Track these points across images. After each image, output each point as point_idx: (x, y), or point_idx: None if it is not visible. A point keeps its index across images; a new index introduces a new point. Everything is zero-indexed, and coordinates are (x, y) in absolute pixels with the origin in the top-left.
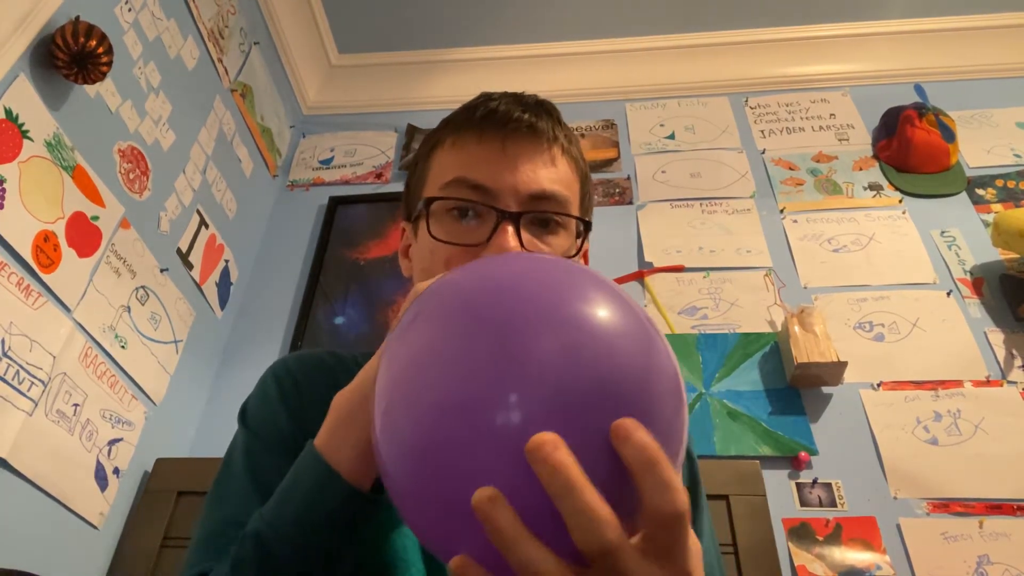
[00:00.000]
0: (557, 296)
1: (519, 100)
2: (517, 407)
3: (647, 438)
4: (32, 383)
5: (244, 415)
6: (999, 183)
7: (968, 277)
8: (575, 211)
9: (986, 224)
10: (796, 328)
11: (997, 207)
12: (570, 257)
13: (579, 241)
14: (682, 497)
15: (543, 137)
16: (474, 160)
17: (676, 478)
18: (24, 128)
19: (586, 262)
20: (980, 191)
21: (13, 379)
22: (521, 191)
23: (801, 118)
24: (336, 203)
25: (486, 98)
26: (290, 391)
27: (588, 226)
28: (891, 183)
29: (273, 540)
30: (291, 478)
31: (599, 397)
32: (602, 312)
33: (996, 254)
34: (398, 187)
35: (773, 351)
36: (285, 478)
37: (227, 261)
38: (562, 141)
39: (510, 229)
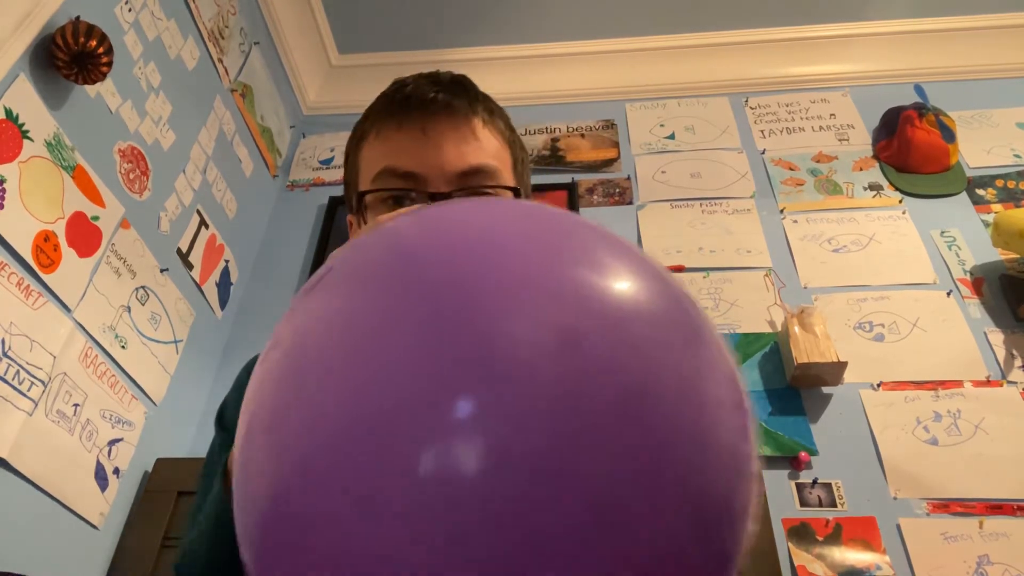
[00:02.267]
0: (546, 253)
1: (433, 80)
2: (469, 439)
3: None
4: (32, 383)
5: (221, 418)
6: (999, 183)
7: (968, 277)
8: (508, 180)
9: (986, 224)
10: (796, 328)
11: (997, 207)
12: None
13: None
14: None
15: (461, 113)
16: (397, 149)
17: None
18: (24, 128)
19: None
20: (980, 191)
21: (13, 379)
22: (448, 171)
23: (801, 118)
24: (336, 203)
25: (400, 84)
26: None
27: (518, 194)
28: (891, 183)
29: (192, 570)
30: (210, 502)
31: (622, 425)
32: (620, 281)
33: (996, 254)
34: None
35: (773, 351)
36: (206, 504)
37: (227, 261)
38: (482, 114)
39: None
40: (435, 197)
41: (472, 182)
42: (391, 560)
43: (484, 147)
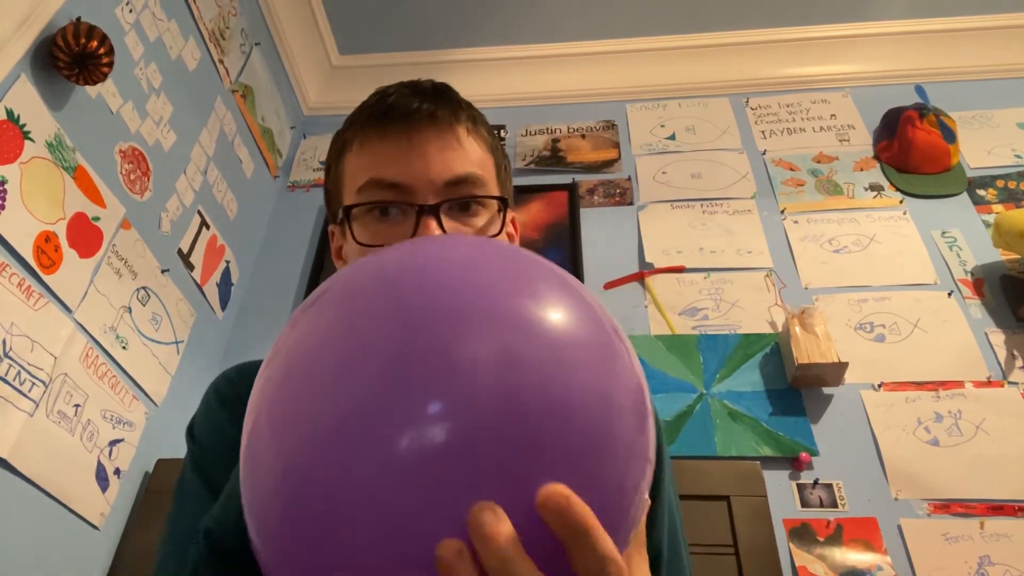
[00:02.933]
0: (497, 287)
1: (415, 89)
2: (430, 429)
3: (576, 510)
4: (33, 384)
5: (191, 432)
6: (1000, 184)
7: (969, 278)
8: (493, 188)
9: (987, 225)
10: (797, 329)
11: (998, 208)
12: (493, 235)
13: (500, 216)
14: (615, 566)
15: (445, 122)
16: (382, 159)
17: (610, 546)
18: (25, 129)
19: (516, 231)
20: (981, 192)
21: (14, 380)
22: (435, 181)
23: (802, 119)
24: None
25: (382, 94)
26: (232, 400)
27: (506, 202)
28: (892, 184)
29: (222, 535)
30: (235, 476)
31: (546, 431)
32: (552, 310)
33: (997, 255)
34: None
35: (774, 352)
36: (231, 478)
37: (228, 262)
38: (466, 123)
39: (432, 223)
40: (422, 210)
41: (459, 192)
42: (368, 526)
43: (469, 155)
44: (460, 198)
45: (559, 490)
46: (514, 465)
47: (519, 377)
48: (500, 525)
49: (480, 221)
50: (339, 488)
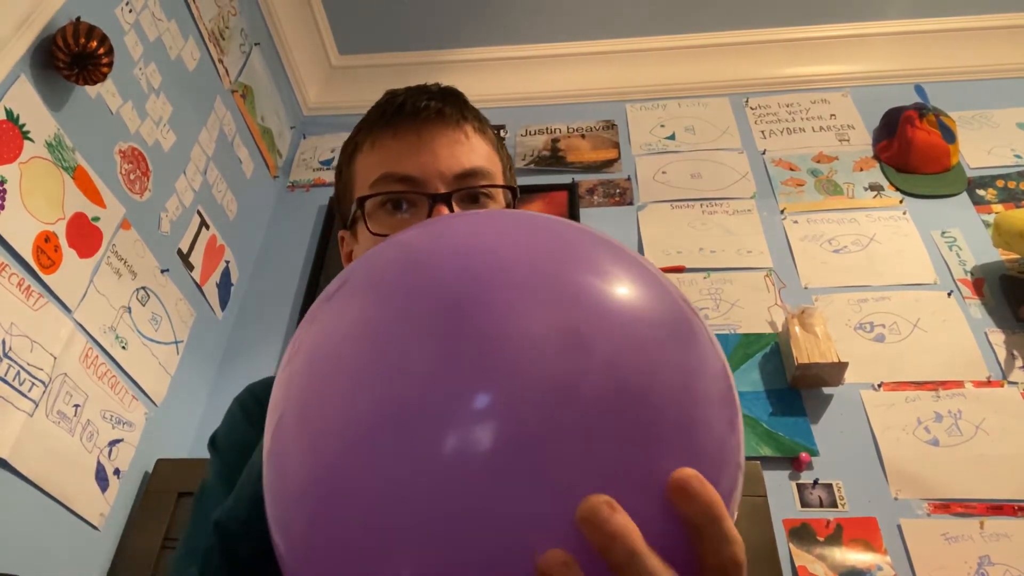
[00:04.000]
0: (550, 260)
1: (423, 90)
2: (487, 429)
3: (711, 493)
4: (33, 384)
5: (214, 444)
6: (1000, 183)
7: (969, 278)
8: (500, 181)
9: (987, 224)
10: (797, 329)
11: (998, 207)
12: None
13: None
14: (741, 548)
15: (452, 119)
16: (394, 155)
17: (733, 528)
18: (25, 129)
19: None
20: (981, 191)
21: (14, 380)
22: (446, 173)
23: (801, 119)
24: None
25: (391, 95)
26: (257, 415)
27: (515, 193)
28: (892, 184)
29: (233, 525)
30: (247, 469)
31: (630, 419)
32: (621, 285)
33: (997, 255)
34: None
35: (774, 352)
36: (242, 474)
37: (228, 262)
38: (472, 121)
39: (445, 210)
40: (435, 198)
41: (468, 183)
42: (415, 532)
43: (477, 150)
44: (470, 188)
45: (693, 473)
46: (615, 455)
47: (587, 360)
48: (623, 518)
49: None
50: (387, 492)
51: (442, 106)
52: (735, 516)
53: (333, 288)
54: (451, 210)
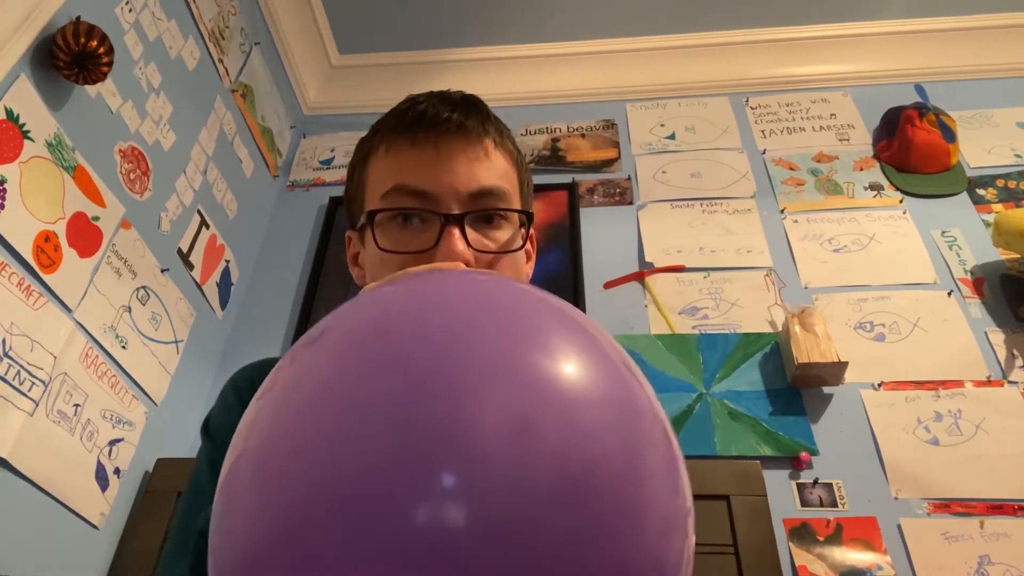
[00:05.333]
0: (510, 342)
1: (446, 99)
2: (431, 509)
3: None
4: (33, 383)
5: (207, 426)
6: (1000, 183)
7: (969, 277)
8: (516, 202)
9: (987, 224)
10: (797, 328)
11: (998, 207)
12: (515, 249)
13: (523, 231)
14: None
15: (474, 134)
16: (410, 166)
17: None
18: (25, 128)
19: (533, 248)
20: (981, 191)
21: (14, 379)
22: (461, 191)
23: (802, 118)
24: (336, 203)
25: (413, 101)
26: (251, 397)
27: (531, 217)
28: (892, 183)
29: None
30: None
31: (580, 510)
32: (569, 365)
33: (997, 254)
34: None
35: (774, 351)
36: None
37: (228, 261)
38: (493, 135)
39: (456, 232)
40: (448, 219)
41: (483, 204)
42: None
43: (495, 168)
44: (484, 210)
45: None
46: (539, 545)
47: (536, 445)
48: None
49: (503, 235)
50: (316, 566)
51: (464, 119)
52: (690, 566)
53: (316, 333)
54: (463, 232)
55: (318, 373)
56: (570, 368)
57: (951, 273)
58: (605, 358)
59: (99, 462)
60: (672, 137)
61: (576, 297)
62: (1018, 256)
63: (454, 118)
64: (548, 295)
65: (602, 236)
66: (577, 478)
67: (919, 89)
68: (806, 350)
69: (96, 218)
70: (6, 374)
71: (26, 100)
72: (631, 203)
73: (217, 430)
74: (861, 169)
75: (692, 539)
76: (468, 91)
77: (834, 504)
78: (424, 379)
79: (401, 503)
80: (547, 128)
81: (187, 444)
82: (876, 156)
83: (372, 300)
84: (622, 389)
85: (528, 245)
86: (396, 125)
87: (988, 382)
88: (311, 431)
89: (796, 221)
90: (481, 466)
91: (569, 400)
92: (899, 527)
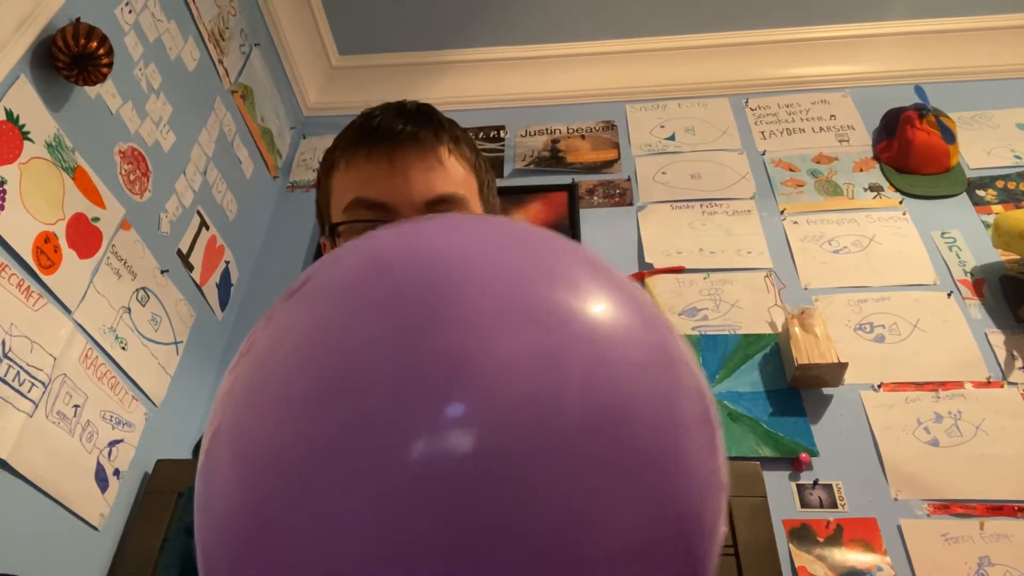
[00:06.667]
0: (524, 271)
1: (400, 111)
2: (441, 448)
3: None
4: (32, 384)
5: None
6: (999, 184)
7: (969, 278)
8: (475, 207)
9: (986, 225)
10: (796, 329)
11: (997, 208)
12: None
13: None
14: None
15: (427, 143)
16: (367, 179)
17: None
18: (25, 129)
19: None
20: (980, 192)
21: (13, 380)
22: (417, 201)
23: (801, 119)
24: None
25: (367, 116)
26: None
27: (495, 211)
28: (891, 184)
29: None
30: None
31: (612, 442)
32: (598, 302)
33: (996, 255)
34: None
35: (773, 352)
36: None
37: (227, 262)
38: (447, 143)
39: None
40: None
41: (440, 211)
42: (366, 562)
43: (450, 176)
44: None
45: None
46: (599, 477)
47: (560, 379)
48: None
49: None
50: (319, 527)
51: (417, 130)
52: (723, 539)
53: (295, 286)
54: None
55: (304, 320)
56: (596, 303)
57: (951, 274)
58: (635, 299)
59: (99, 463)
60: (672, 138)
61: None
62: (1018, 257)
63: (407, 130)
64: (560, 236)
65: (602, 237)
66: (612, 408)
67: (919, 90)
68: (806, 351)
69: (96, 219)
70: (5, 375)
71: (26, 101)
72: (631, 204)
73: None
74: (861, 170)
75: (725, 506)
76: (468, 91)
77: (834, 505)
78: (431, 313)
79: (411, 438)
80: (547, 129)
81: (187, 445)
82: (876, 157)
83: (358, 243)
84: (655, 332)
85: None
86: (353, 139)
87: (988, 383)
88: (301, 381)
89: (796, 222)
90: (503, 394)
91: (596, 334)
92: (899, 528)
